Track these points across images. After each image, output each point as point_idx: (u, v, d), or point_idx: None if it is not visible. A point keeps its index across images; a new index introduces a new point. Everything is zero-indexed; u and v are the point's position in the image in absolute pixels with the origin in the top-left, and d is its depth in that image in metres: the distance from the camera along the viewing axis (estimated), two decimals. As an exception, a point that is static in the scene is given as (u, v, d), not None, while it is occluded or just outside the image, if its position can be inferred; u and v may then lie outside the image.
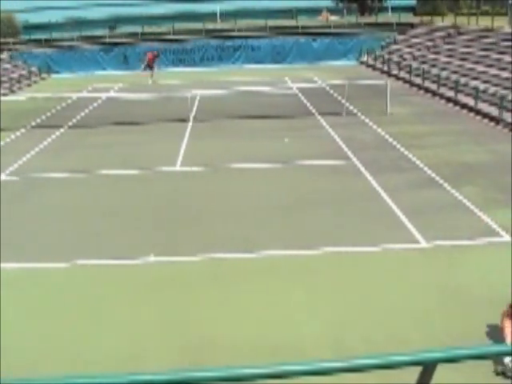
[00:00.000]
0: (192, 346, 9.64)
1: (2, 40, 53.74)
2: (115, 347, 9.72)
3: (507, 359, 8.43)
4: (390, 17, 60.00)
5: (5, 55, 51.13)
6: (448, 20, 49.33)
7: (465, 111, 28.94)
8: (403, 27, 53.45)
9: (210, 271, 12.51)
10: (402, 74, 40.48)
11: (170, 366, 8.92)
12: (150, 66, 45.84)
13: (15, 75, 46.43)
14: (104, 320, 10.64)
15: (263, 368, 4.08)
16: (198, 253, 13.36)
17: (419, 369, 4.33)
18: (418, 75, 37.86)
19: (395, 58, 45.44)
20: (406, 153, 21.30)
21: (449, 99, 31.53)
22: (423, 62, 40.59)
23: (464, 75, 33.84)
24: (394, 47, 49.75)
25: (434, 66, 38.62)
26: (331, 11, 63.56)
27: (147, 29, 57.34)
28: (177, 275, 12.38)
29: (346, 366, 4.19)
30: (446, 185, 17.58)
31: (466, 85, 31.45)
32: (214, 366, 8.67)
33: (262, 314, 10.61)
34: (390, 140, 23.32)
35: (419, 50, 44.86)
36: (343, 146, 22.56)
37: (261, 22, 57.07)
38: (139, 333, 10.12)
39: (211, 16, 61.36)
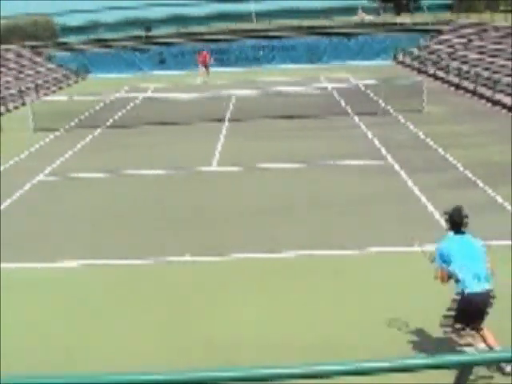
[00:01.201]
0: (219, 345, 9.73)
1: (40, 43, 54.36)
2: (152, 346, 9.83)
3: None
4: (426, 15, 59.61)
5: (43, 58, 51.72)
6: (485, 18, 48.85)
7: (504, 111, 28.64)
8: (440, 26, 53.02)
9: (239, 271, 12.58)
10: (439, 73, 40.18)
11: (198, 365, 9.00)
12: (205, 66, 45.87)
13: (53, 77, 46.98)
14: (149, 317, 10.77)
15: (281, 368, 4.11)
16: (230, 253, 13.46)
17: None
18: (454, 74, 37.57)
19: (432, 57, 45.14)
20: (443, 152, 21.18)
21: (487, 98, 31.21)
22: (460, 61, 40.23)
23: (507, 75, 33.38)
24: (431, 46, 49.39)
25: (471, 64, 38.27)
26: (367, 10, 63.29)
27: (183, 29, 57.55)
28: (210, 274, 12.47)
29: (391, 365, 4.18)
30: (482, 185, 17.46)
31: (506, 84, 31.09)
32: (240, 365, 8.74)
33: (290, 314, 10.66)
34: (427, 140, 23.20)
35: (456, 48, 44.49)
36: (379, 146, 22.50)
37: (296, 22, 57.11)
38: (171, 331, 10.23)
39: (247, 16, 61.48)
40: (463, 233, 8.92)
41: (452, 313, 8.65)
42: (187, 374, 4.07)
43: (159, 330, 10.33)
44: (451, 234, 9.00)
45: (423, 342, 9.48)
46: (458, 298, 8.60)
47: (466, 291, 8.52)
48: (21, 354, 9.74)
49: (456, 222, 8.92)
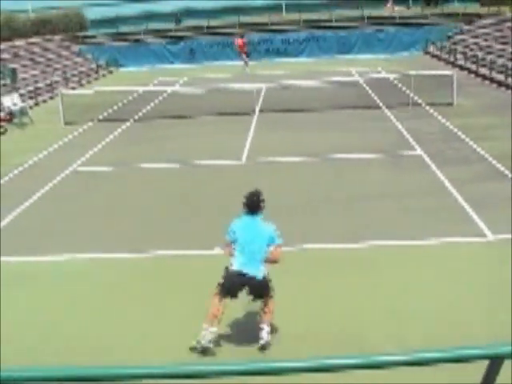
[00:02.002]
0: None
1: (71, 34, 54.69)
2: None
3: None
4: (455, 7, 59.16)
5: (73, 49, 52.03)
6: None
7: (534, 102, 28.41)
8: (469, 17, 52.60)
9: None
10: (469, 65, 39.88)
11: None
12: (244, 53, 45.92)
13: (83, 69, 47.27)
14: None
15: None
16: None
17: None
18: (484, 65, 37.27)
19: (461, 48, 44.81)
20: (474, 145, 21.05)
21: (518, 90, 31.00)
22: (490, 53, 39.90)
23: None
24: (460, 38, 49.02)
25: (501, 56, 37.93)
26: (396, 2, 62.90)
27: (212, 22, 57.55)
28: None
29: (408, 359, 4.17)
30: (514, 177, 17.34)
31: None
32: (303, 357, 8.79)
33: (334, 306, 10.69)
34: (457, 132, 23.07)
35: (486, 40, 44.13)
36: (409, 138, 22.40)
37: (326, 14, 56.94)
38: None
39: (277, 9, 61.35)
40: (255, 215, 9.43)
41: (221, 280, 9.36)
42: (196, 367, 4.10)
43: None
44: (244, 214, 9.52)
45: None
46: (225, 270, 9.37)
47: (231, 268, 9.31)
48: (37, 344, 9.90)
49: (248, 205, 9.44)
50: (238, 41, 46.55)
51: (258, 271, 9.26)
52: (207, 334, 9.17)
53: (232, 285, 9.30)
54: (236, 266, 9.27)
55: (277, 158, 20.77)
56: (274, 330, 9.64)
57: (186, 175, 19.63)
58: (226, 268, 9.37)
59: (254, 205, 9.44)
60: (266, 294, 9.42)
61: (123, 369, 4.07)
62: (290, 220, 14.53)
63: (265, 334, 9.36)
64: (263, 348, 9.28)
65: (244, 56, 46.04)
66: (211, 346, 9.18)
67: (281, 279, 9.98)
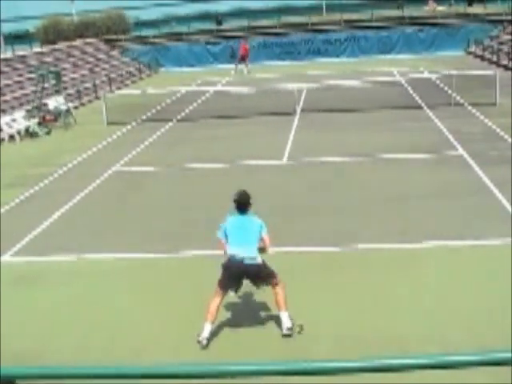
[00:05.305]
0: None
1: (114, 37, 55.26)
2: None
3: None
4: (499, 6, 58.54)
5: (116, 51, 52.59)
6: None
7: None
8: (512, 16, 52.11)
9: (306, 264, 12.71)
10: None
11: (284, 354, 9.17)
12: (243, 58, 46.54)
13: (126, 71, 47.76)
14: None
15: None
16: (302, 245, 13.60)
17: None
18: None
19: (505, 48, 44.39)
20: (516, 145, 20.91)
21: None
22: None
23: None
24: (504, 37, 48.54)
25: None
26: (438, 1, 62.48)
27: (253, 23, 57.70)
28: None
29: (413, 362, 4.07)
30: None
31: None
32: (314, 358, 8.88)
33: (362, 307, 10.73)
34: (500, 132, 22.91)
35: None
36: (451, 138, 22.31)
37: (367, 14, 56.76)
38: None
39: (317, 9, 61.31)
40: (245, 213, 9.98)
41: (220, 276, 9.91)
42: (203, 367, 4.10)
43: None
44: (235, 212, 10.06)
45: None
46: (222, 266, 9.87)
47: (226, 261, 9.82)
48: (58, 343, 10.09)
49: (239, 203, 9.98)
50: (244, 45, 47.23)
51: (254, 257, 9.71)
52: (205, 330, 9.69)
53: (231, 275, 9.80)
54: (232, 253, 9.74)
55: (318, 157, 20.83)
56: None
57: (227, 175, 19.71)
58: (222, 264, 9.88)
59: (241, 202, 9.98)
60: (267, 278, 9.90)
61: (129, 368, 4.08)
62: (333, 220, 14.59)
63: (285, 320, 9.81)
64: (288, 334, 9.74)
65: (244, 60, 46.97)
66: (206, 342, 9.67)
67: (329, 279, 10.04)
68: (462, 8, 58.01)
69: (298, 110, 29.41)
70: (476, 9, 58.33)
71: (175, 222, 15.67)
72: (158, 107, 33.08)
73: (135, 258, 13.49)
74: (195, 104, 33.40)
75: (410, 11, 56.38)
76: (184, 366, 4.10)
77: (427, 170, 18.95)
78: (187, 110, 31.68)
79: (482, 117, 25.66)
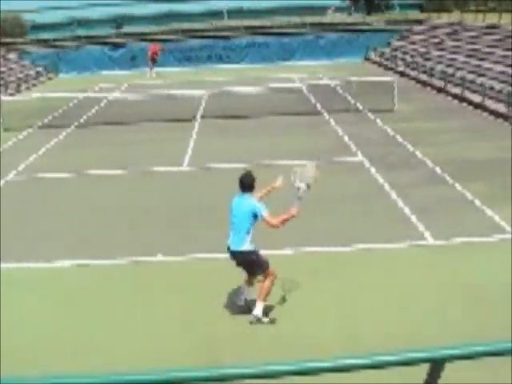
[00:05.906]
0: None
1: (10, 40, 53.84)
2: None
3: None
4: (397, 14, 59.84)
5: (12, 55, 51.25)
6: (455, 17, 49.14)
7: (471, 108, 28.84)
8: (410, 24, 53.35)
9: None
10: (408, 71, 40.37)
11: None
12: (153, 60, 46.40)
13: (23, 75, 46.50)
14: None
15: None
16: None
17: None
18: (423, 72, 37.77)
19: (401, 55, 45.37)
20: (413, 150, 21.26)
21: (455, 96, 31.38)
22: (428, 59, 40.45)
23: (470, 72, 33.68)
24: (400, 44, 49.63)
25: (439, 62, 38.49)
26: (338, 9, 63.44)
27: (153, 28, 57.19)
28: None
29: (360, 362, 4.09)
30: (453, 182, 17.53)
31: (472, 81, 31.32)
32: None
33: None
34: (397, 137, 23.28)
35: (425, 46, 44.72)
36: (350, 143, 22.54)
37: (267, 21, 57.06)
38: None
39: (219, 15, 61.23)
40: (245, 193, 10.18)
41: None
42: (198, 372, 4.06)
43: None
44: (240, 192, 10.28)
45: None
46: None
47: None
48: (27, 354, 9.73)
49: (242, 184, 10.20)
50: (154, 47, 47.12)
51: (240, 244, 10.00)
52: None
53: (234, 259, 10.28)
54: (229, 242, 10.20)
55: (219, 164, 20.68)
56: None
57: (126, 181, 19.44)
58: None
59: (244, 183, 10.17)
60: (256, 268, 10.19)
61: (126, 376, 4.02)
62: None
63: (258, 309, 10.10)
64: (253, 321, 10.08)
65: (151, 63, 47.02)
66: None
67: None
68: (361, 16, 59.06)
69: (199, 117, 29.21)
70: (375, 17, 59.47)
71: (69, 229, 15.28)
72: (56, 113, 32.25)
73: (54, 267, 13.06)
74: (93, 110, 32.75)
75: (310, 18, 56.96)
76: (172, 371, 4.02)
77: (325, 174, 18.99)
78: (85, 117, 31.02)
79: (379, 122, 26.03)
